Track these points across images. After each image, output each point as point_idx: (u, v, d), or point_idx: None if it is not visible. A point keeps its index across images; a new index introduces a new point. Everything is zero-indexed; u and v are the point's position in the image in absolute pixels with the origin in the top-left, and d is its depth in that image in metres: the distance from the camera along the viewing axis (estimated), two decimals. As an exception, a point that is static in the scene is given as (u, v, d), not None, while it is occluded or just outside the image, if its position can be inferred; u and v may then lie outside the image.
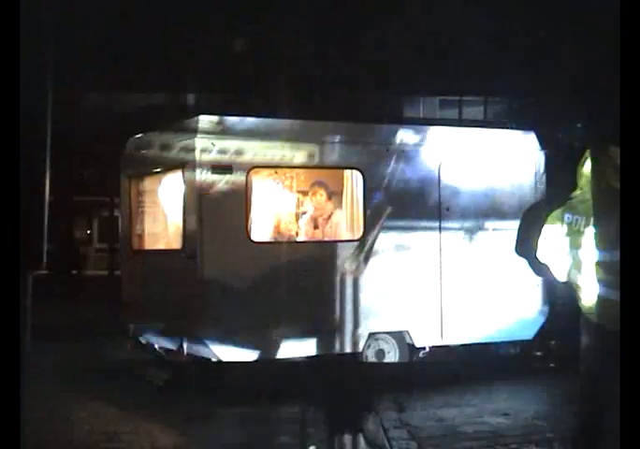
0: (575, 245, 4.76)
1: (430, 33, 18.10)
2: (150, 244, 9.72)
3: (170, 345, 8.73)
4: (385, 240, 8.89)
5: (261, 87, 18.70)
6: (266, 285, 8.33)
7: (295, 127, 9.08)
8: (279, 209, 9.35)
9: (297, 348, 8.48)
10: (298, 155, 8.79)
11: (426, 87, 22.10)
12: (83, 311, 16.08)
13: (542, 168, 9.78)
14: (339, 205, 9.30)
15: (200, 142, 8.18)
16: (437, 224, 9.20)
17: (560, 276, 5.05)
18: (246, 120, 8.64)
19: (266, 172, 9.15)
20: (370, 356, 8.88)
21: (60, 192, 20.28)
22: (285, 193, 9.41)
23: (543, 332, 9.65)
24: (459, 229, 9.33)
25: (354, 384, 8.35)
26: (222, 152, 8.25)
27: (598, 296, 4.60)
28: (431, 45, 18.49)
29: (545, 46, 15.55)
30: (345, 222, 9.27)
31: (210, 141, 8.21)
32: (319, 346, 8.56)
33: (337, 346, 8.65)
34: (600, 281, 4.58)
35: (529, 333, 9.59)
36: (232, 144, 8.33)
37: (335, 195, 9.33)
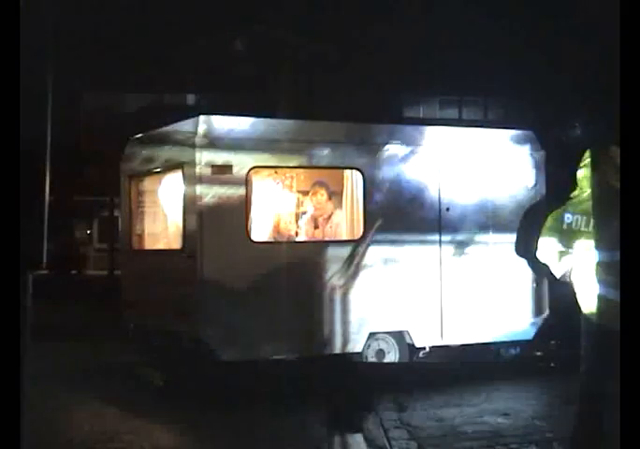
0: (575, 245, 4.76)
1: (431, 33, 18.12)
2: (150, 244, 9.72)
3: (170, 345, 8.73)
4: (385, 240, 8.90)
5: (261, 87, 18.70)
6: (266, 285, 8.34)
7: (295, 127, 9.08)
8: (279, 208, 9.35)
9: (297, 348, 8.48)
10: (298, 155, 8.78)
11: (426, 87, 22.11)
12: (83, 310, 16.08)
13: (542, 168, 9.79)
14: (339, 205, 9.30)
15: (200, 142, 8.18)
16: (437, 224, 9.20)
17: (560, 276, 5.05)
18: (246, 120, 8.64)
19: (266, 172, 9.15)
20: (370, 356, 8.89)
21: (60, 192, 20.28)
22: (285, 193, 9.41)
23: (543, 332, 9.64)
24: (459, 229, 9.33)
25: (354, 384, 8.35)
26: (222, 151, 8.25)
27: (598, 297, 4.60)
28: (431, 45, 18.50)
29: (545, 46, 15.56)
30: (345, 222, 9.27)
31: (209, 141, 8.21)
32: (319, 346, 8.56)
33: (337, 346, 8.65)
34: (600, 281, 4.58)
35: (529, 333, 9.59)
36: (232, 144, 8.33)
37: (335, 195, 9.33)
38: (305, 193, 9.45)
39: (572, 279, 4.88)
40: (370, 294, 8.77)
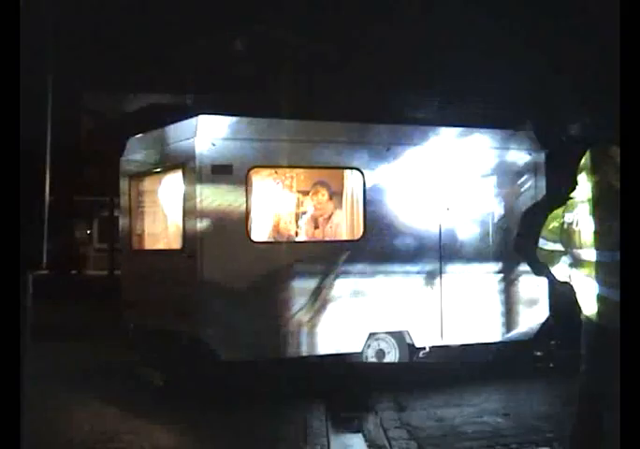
0: (575, 245, 4.76)
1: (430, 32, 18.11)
2: (150, 244, 9.72)
3: (170, 345, 8.73)
4: (385, 240, 8.90)
5: (261, 87, 18.69)
6: (266, 285, 8.33)
7: (294, 127, 9.07)
8: (279, 208, 9.35)
9: (297, 348, 8.48)
10: (298, 155, 8.78)
11: (426, 87, 22.10)
12: (83, 310, 16.07)
13: (542, 168, 9.79)
14: (339, 205, 9.29)
15: (200, 142, 8.18)
16: (437, 224, 9.20)
17: (560, 276, 5.06)
18: (246, 120, 8.63)
19: (266, 172, 9.15)
20: (370, 356, 8.89)
21: (60, 192, 20.27)
22: (286, 192, 9.41)
23: (543, 332, 9.64)
24: (459, 230, 9.34)
25: (354, 384, 8.35)
26: (222, 151, 8.25)
27: (598, 296, 4.61)
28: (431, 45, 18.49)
29: (545, 46, 15.56)
30: (345, 222, 9.27)
31: (209, 141, 8.21)
32: (319, 345, 8.56)
33: (337, 346, 8.65)
34: (600, 280, 4.58)
35: (529, 333, 9.59)
36: (232, 144, 8.32)
37: (336, 195, 9.33)
38: (305, 193, 9.45)
39: (572, 279, 4.89)
40: (370, 294, 8.77)
